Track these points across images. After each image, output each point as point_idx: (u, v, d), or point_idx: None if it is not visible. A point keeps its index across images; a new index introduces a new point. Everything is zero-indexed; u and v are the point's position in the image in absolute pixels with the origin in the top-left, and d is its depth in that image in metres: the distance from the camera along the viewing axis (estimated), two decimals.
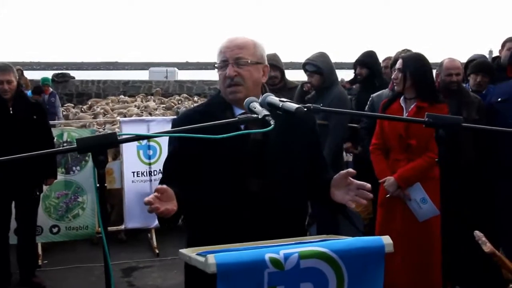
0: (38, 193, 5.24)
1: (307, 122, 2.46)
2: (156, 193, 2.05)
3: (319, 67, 5.22)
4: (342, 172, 2.21)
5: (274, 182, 2.32)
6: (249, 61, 2.32)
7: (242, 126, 2.28)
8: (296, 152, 2.40)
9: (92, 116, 13.14)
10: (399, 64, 4.18)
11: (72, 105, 17.70)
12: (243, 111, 2.32)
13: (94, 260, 5.87)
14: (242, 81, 2.32)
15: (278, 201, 2.32)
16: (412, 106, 4.11)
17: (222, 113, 2.33)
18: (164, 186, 2.09)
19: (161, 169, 2.58)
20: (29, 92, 11.09)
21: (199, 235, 2.15)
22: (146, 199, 2.00)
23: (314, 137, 2.53)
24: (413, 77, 4.08)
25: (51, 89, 12.93)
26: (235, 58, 2.32)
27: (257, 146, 2.33)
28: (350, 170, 2.20)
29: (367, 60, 5.95)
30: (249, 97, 2.31)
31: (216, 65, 2.39)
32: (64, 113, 13.55)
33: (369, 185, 2.15)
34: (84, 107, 16.88)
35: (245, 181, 2.30)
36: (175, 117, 5.70)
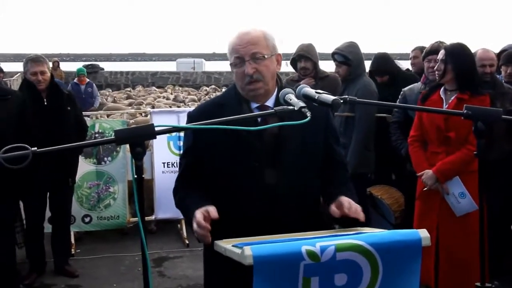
0: (71, 183, 5.31)
1: (322, 115, 2.41)
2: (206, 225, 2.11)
3: (348, 57, 5.14)
4: (342, 205, 2.19)
5: (290, 174, 2.32)
6: (265, 56, 2.30)
7: (259, 120, 2.27)
8: (311, 144, 2.38)
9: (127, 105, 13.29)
10: (441, 54, 4.03)
11: (108, 92, 17.86)
12: (258, 104, 2.36)
13: (124, 250, 5.97)
14: (261, 76, 2.30)
15: (294, 193, 2.32)
16: (452, 98, 3.98)
17: (239, 107, 2.34)
18: (213, 212, 2.13)
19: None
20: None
21: (217, 226, 2.15)
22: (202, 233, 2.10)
23: (329, 131, 2.49)
24: (456, 69, 3.94)
25: (87, 79, 13.13)
26: (250, 54, 2.29)
27: (273, 138, 2.32)
28: (345, 204, 2.19)
29: (386, 68, 5.84)
30: (269, 90, 2.35)
31: (230, 63, 2.36)
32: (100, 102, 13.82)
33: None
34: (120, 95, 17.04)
35: (261, 173, 2.30)
36: None
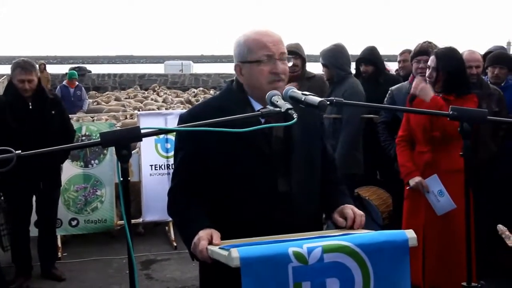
0: (42, 186, 5.17)
1: (317, 116, 2.43)
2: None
3: (324, 62, 5.27)
4: (347, 218, 2.21)
5: (301, 181, 2.29)
6: (291, 57, 2.31)
7: (263, 121, 2.22)
8: (314, 146, 2.38)
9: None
10: (432, 61, 4.03)
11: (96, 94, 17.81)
12: (262, 106, 2.27)
13: (112, 253, 5.94)
14: (285, 76, 2.28)
15: (306, 200, 2.30)
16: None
17: (242, 109, 2.23)
18: (216, 239, 2.07)
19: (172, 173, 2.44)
20: None
21: (228, 237, 2.11)
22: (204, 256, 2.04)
23: (322, 131, 2.51)
24: (448, 74, 3.96)
25: (77, 83, 13.11)
26: (279, 53, 2.26)
27: (281, 143, 2.29)
28: (349, 216, 2.22)
29: (371, 58, 5.93)
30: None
31: (254, 60, 2.26)
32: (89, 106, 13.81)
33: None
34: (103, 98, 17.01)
35: (274, 181, 2.25)
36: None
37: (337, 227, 2.28)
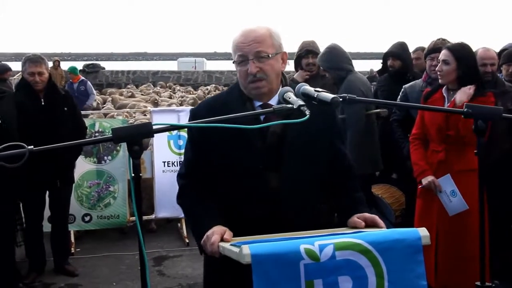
0: (60, 184, 5.22)
1: (328, 114, 2.38)
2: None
3: (323, 67, 5.27)
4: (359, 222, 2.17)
5: (291, 177, 2.28)
6: (269, 55, 2.25)
7: (262, 118, 2.24)
8: (316, 145, 2.34)
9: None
10: (444, 55, 3.99)
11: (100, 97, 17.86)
12: (261, 103, 2.31)
13: (124, 249, 5.97)
14: (265, 75, 2.25)
15: (297, 194, 2.28)
16: (454, 97, 3.94)
17: (242, 105, 2.29)
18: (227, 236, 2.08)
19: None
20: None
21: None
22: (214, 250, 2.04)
23: (335, 130, 2.45)
24: (458, 69, 3.91)
25: (81, 77, 13.07)
26: (254, 52, 2.23)
27: (276, 138, 2.28)
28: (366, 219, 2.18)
29: (400, 52, 5.84)
30: (272, 89, 2.30)
31: (234, 61, 2.32)
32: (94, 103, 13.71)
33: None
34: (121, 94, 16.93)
35: (264, 175, 2.26)
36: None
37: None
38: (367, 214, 2.20)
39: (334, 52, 5.22)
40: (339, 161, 2.43)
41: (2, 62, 12.65)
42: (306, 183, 2.32)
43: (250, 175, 2.26)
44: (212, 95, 17.29)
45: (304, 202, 2.32)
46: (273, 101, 2.32)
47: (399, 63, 5.79)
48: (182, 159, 2.55)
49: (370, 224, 2.15)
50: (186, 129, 5.99)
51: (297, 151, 2.29)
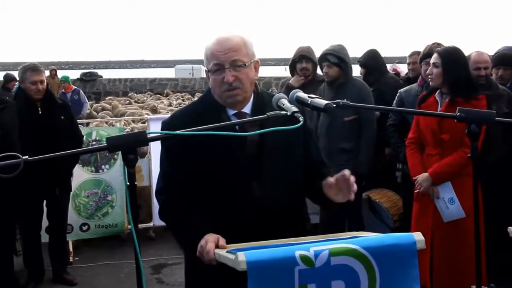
0: (58, 192, 5.23)
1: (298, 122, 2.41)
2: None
3: (343, 59, 5.09)
4: (338, 177, 2.11)
5: (274, 184, 2.28)
6: (246, 64, 2.26)
7: (237, 127, 2.22)
8: (293, 149, 2.36)
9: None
10: (434, 58, 4.02)
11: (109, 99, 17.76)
12: (235, 111, 2.32)
13: (123, 257, 5.94)
14: (240, 84, 2.26)
15: (279, 203, 2.28)
16: (446, 100, 3.97)
17: (216, 114, 2.29)
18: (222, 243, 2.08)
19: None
20: None
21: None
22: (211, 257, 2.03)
23: (307, 134, 2.45)
24: (448, 73, 3.93)
25: (73, 87, 13.06)
26: (231, 61, 2.24)
27: (255, 147, 2.29)
28: (346, 172, 2.08)
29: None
30: (247, 97, 2.32)
31: (208, 69, 2.31)
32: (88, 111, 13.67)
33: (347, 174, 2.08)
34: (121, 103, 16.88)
35: (247, 184, 2.26)
36: None
37: (329, 203, 2.24)
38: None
39: (347, 52, 5.26)
40: (315, 159, 2.47)
41: (7, 72, 12.68)
42: (289, 187, 2.33)
43: (233, 183, 2.25)
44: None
45: (288, 206, 2.33)
46: (247, 109, 2.34)
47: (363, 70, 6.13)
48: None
49: (340, 179, 2.10)
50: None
51: (276, 157, 2.30)
